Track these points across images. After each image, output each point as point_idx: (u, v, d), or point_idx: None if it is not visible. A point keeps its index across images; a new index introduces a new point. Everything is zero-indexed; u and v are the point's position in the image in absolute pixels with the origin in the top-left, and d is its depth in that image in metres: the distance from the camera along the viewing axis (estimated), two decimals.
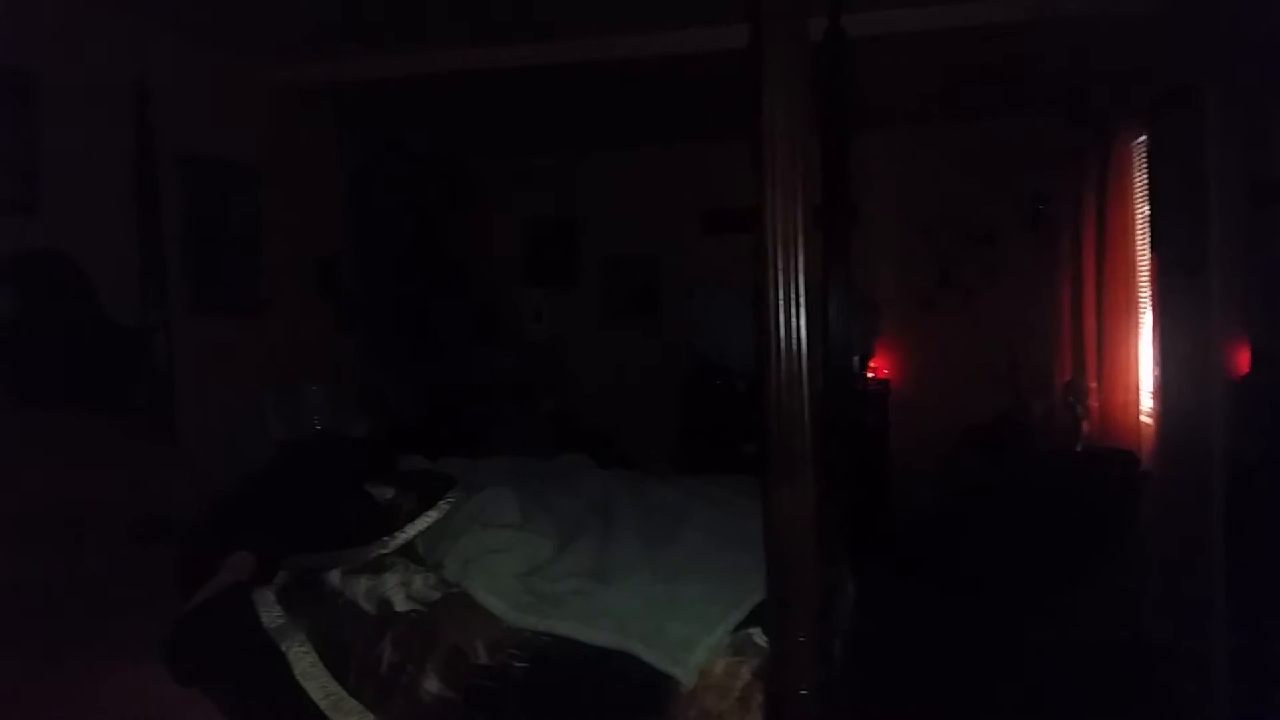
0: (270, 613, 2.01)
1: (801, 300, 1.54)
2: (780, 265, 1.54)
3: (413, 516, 2.32)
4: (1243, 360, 3.32)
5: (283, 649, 1.93)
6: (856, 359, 5.48)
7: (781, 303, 1.54)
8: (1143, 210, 4.54)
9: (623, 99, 5.29)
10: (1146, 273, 4.52)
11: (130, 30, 3.69)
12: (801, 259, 1.54)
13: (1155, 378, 4.31)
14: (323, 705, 1.85)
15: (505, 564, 2.12)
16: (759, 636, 1.87)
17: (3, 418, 2.78)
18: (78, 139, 3.41)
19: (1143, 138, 4.51)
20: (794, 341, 1.55)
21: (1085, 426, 5.31)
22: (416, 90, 4.83)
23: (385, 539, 2.25)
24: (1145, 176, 4.48)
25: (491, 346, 6.88)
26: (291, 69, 4.54)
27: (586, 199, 6.78)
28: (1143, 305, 4.62)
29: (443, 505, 2.38)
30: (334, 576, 2.14)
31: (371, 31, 4.12)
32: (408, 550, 2.29)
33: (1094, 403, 5.25)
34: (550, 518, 2.45)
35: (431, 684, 1.85)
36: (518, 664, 1.86)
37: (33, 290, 3.11)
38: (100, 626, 2.18)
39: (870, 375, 5.92)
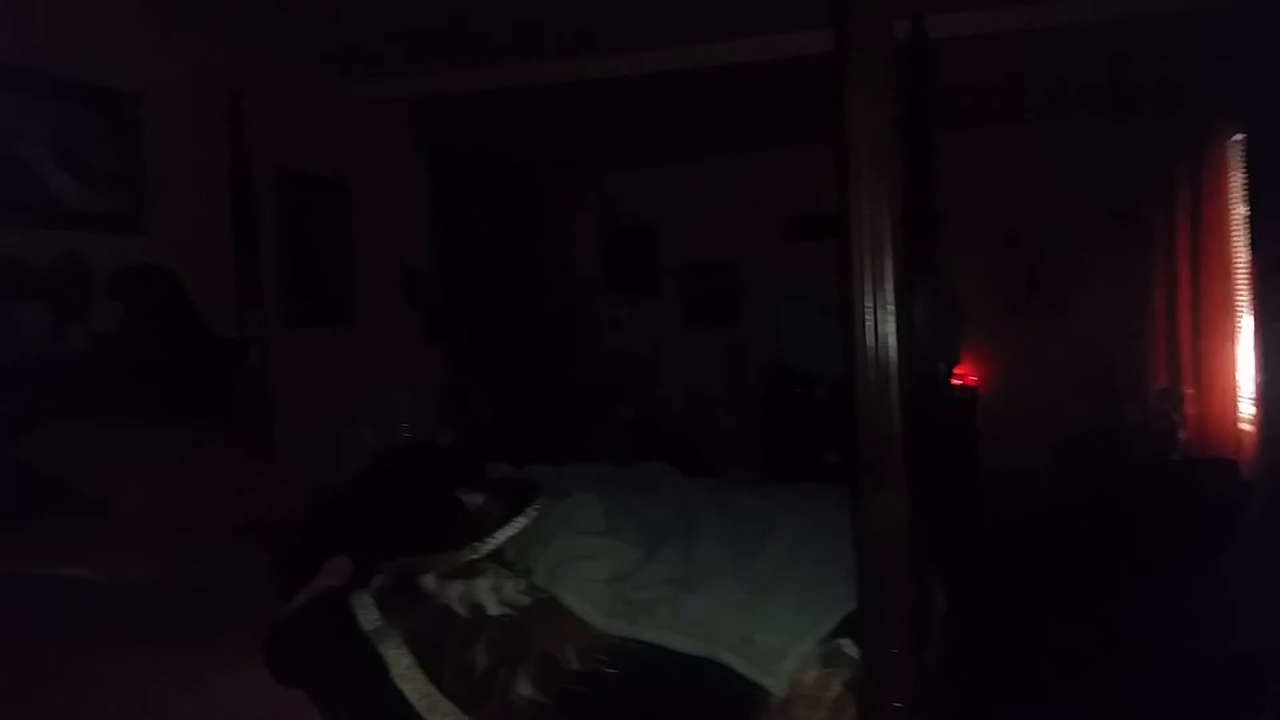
0: (368, 615, 2.06)
1: (890, 307, 1.52)
2: (868, 272, 1.53)
3: (502, 523, 2.36)
4: None
5: (380, 651, 1.97)
6: (943, 366, 5.40)
7: (869, 310, 1.53)
8: (1239, 210, 4.38)
9: (704, 106, 5.31)
10: (1244, 274, 4.36)
11: (225, 51, 3.84)
12: (889, 265, 1.52)
13: (1257, 384, 4.15)
14: (419, 707, 1.88)
15: (593, 570, 2.14)
16: (849, 648, 1.85)
17: (110, 427, 2.90)
18: (178, 158, 3.56)
19: (1239, 135, 4.36)
20: (882, 349, 1.54)
21: (1181, 435, 5.14)
22: (499, 103, 4.91)
23: (476, 544, 2.29)
24: (1242, 175, 4.33)
25: (572, 355, 6.95)
26: (379, 85, 4.66)
27: (667, 207, 6.82)
28: (1240, 308, 4.46)
29: (530, 512, 2.41)
30: (428, 581, 2.18)
31: (455, 46, 4.20)
32: (497, 555, 2.32)
33: (1190, 410, 5.08)
34: (635, 525, 2.47)
35: (524, 687, 1.87)
36: (608, 669, 1.87)
37: (137, 304, 3.25)
38: (204, 627, 2.25)
39: (957, 382, 5.82)
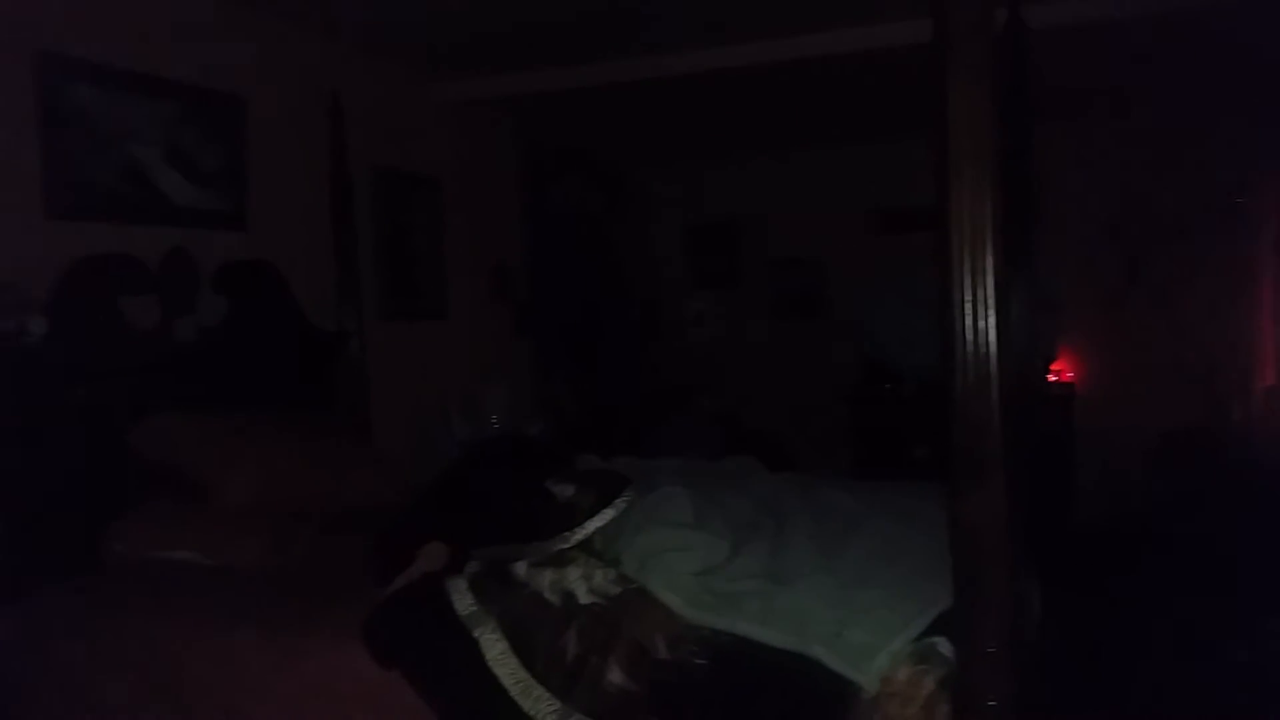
0: (463, 600, 2.11)
1: (990, 301, 1.50)
2: (967, 266, 1.51)
3: (591, 513, 2.38)
4: None
5: (475, 635, 2.02)
6: (1040, 362, 5.27)
7: (969, 304, 1.51)
8: None
9: (790, 102, 5.27)
10: None
11: (324, 53, 3.95)
12: (990, 259, 1.50)
13: None
14: (513, 691, 1.92)
15: (682, 562, 2.16)
16: (943, 645, 1.83)
17: (216, 417, 3.01)
18: (279, 157, 3.68)
19: None
20: (982, 344, 1.52)
21: None
22: (588, 100, 4.95)
23: (566, 534, 2.32)
24: None
25: (656, 349, 6.98)
26: (471, 84, 4.73)
27: (752, 202, 6.79)
28: None
29: (619, 503, 2.43)
30: (519, 568, 2.22)
31: (546, 45, 4.25)
32: (586, 545, 2.35)
33: None
34: (723, 518, 2.47)
35: (615, 675, 1.90)
36: (698, 660, 1.89)
37: (241, 298, 3.38)
38: (304, 609, 2.33)
39: (1053, 379, 5.67)
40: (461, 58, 4.43)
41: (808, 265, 6.68)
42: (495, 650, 1.98)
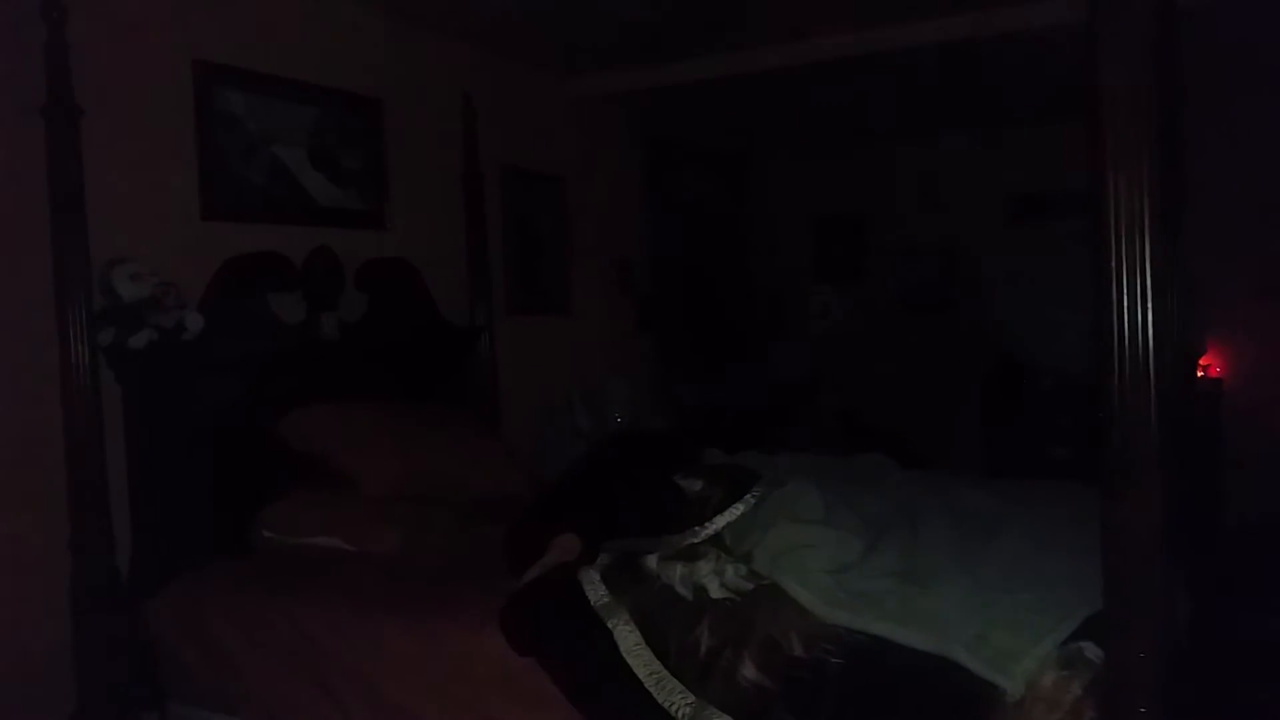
0: (595, 591, 2.14)
1: (1149, 293, 1.43)
2: (1124, 255, 1.45)
3: (721, 508, 2.38)
4: None
5: (609, 626, 2.04)
6: (1188, 356, 5.02)
7: (1126, 296, 1.44)
8: None
9: (916, 89, 5.15)
10: None
11: (456, 55, 4.05)
12: (1149, 248, 1.43)
13: None
14: (647, 682, 1.94)
15: (815, 560, 2.13)
16: (1091, 650, 1.76)
17: (359, 408, 3.13)
18: (414, 158, 3.79)
19: None
20: (1139, 338, 1.45)
21: None
22: (711, 92, 4.94)
23: (697, 528, 2.32)
24: None
25: (780, 343, 6.92)
26: (596, 80, 4.78)
27: (877, 192, 6.66)
28: None
29: (749, 499, 2.42)
30: (650, 561, 2.24)
31: (669, 39, 4.25)
32: (716, 540, 2.35)
33: None
34: (854, 516, 2.44)
35: (749, 670, 1.89)
36: (833, 659, 1.86)
37: (381, 294, 3.50)
38: (442, 595, 2.40)
39: (1200, 373, 5.39)
40: (587, 54, 4.48)
41: (938, 256, 6.51)
42: (629, 641, 2.01)
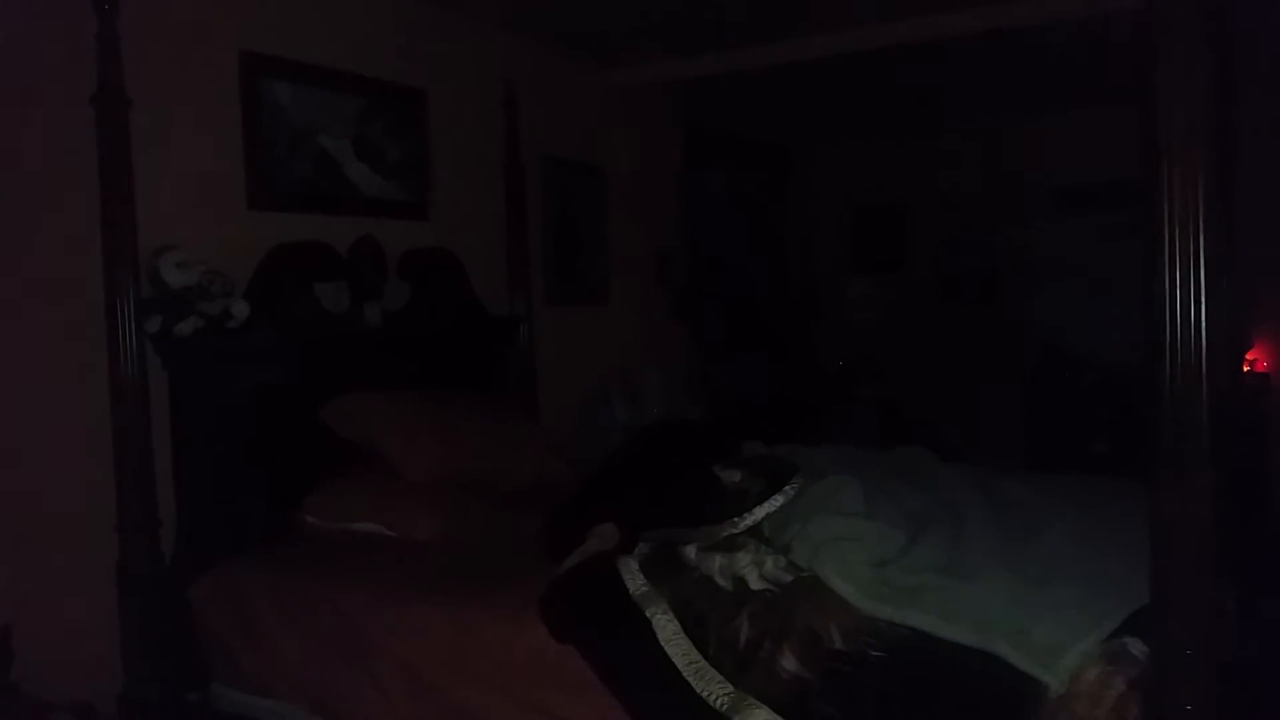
0: (634, 580, 2.14)
1: (1202, 285, 1.41)
2: (1178, 249, 1.43)
3: (760, 499, 2.38)
4: None
5: (647, 615, 2.05)
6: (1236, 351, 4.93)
7: (1179, 290, 1.42)
8: None
9: (958, 78, 5.09)
10: None
11: (497, 45, 4.06)
12: (1203, 239, 1.41)
13: None
14: (685, 672, 1.95)
15: (856, 552, 2.13)
16: (1135, 646, 1.75)
17: (402, 396, 3.16)
18: (456, 148, 3.81)
19: None
20: (1192, 333, 1.43)
21: None
22: (750, 82, 4.91)
23: (735, 520, 2.32)
24: None
25: (818, 334, 6.88)
26: (637, 70, 4.77)
27: (918, 182, 6.60)
28: None
29: (788, 490, 2.42)
30: (689, 551, 2.24)
31: (710, 28, 4.23)
32: (755, 532, 2.35)
33: None
34: (896, 509, 2.43)
35: (789, 662, 1.89)
36: (874, 652, 1.86)
37: (423, 284, 3.52)
38: (482, 581, 2.42)
39: (1246, 369, 5.29)
40: (628, 43, 4.47)
41: (979, 247, 6.43)
42: (668, 631, 2.01)
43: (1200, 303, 1.43)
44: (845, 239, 7.01)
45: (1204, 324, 1.43)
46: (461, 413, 3.22)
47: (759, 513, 2.35)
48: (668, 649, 1.99)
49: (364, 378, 3.13)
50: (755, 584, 2.11)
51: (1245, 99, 4.90)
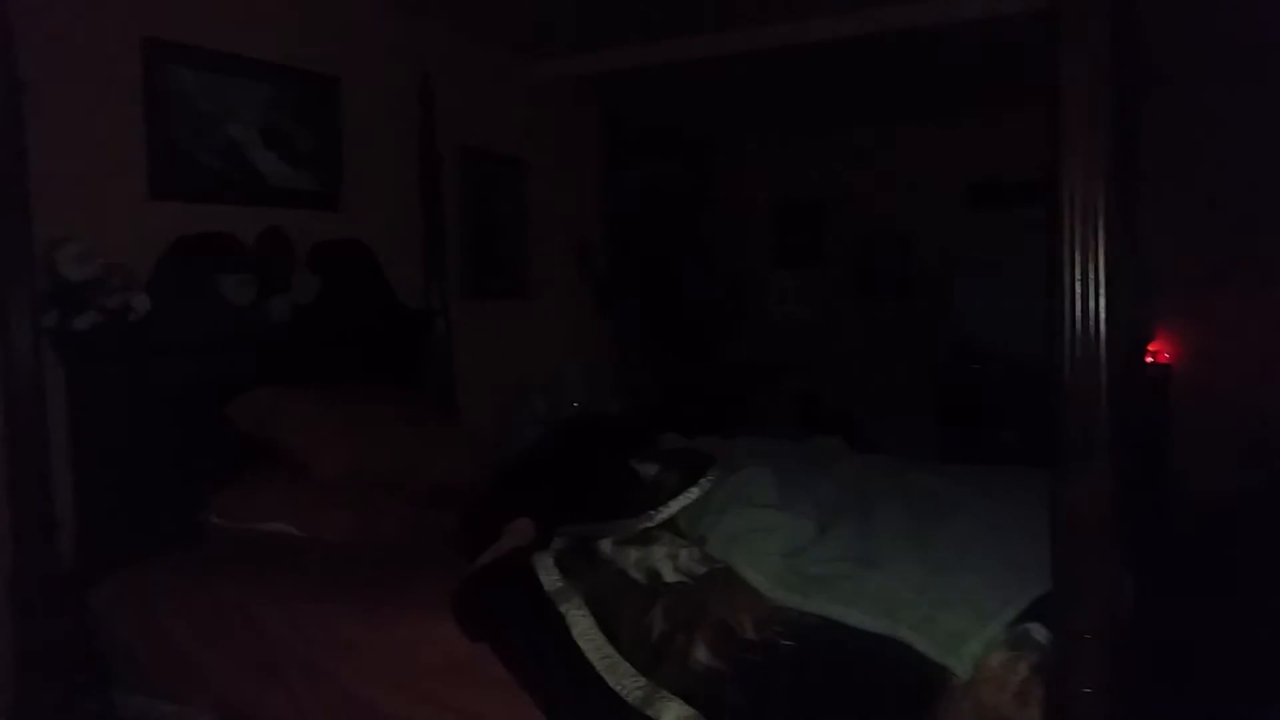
0: (549, 576, 2.13)
1: (1101, 277, 1.45)
2: (1077, 239, 1.46)
3: (676, 493, 2.39)
4: None
5: (561, 610, 2.03)
6: (1138, 342, 5.10)
7: (1079, 284, 1.46)
8: None
9: (876, 75, 5.16)
10: None
11: (414, 33, 3.99)
12: (1102, 233, 1.44)
13: None
14: (599, 666, 1.94)
15: (769, 543, 2.14)
16: (1038, 631, 1.79)
17: (311, 392, 3.08)
18: (370, 138, 3.73)
19: None
20: (1091, 325, 1.46)
21: None
22: (671, 76, 4.92)
23: (651, 513, 2.33)
24: None
25: (740, 327, 6.93)
26: (557, 62, 4.73)
27: (838, 178, 6.68)
28: None
29: (704, 483, 2.43)
30: (605, 546, 2.24)
31: (631, 21, 4.22)
32: (670, 524, 2.35)
33: None
34: (808, 500, 2.45)
35: (701, 653, 1.89)
36: (784, 641, 1.87)
37: (334, 277, 3.44)
38: (395, 581, 2.38)
39: (1149, 359, 5.48)
40: (547, 36, 4.43)
41: (896, 242, 6.55)
42: (581, 626, 2.00)
43: (1099, 297, 1.46)
44: (766, 234, 7.07)
45: (1102, 318, 1.46)
46: (373, 408, 3.16)
47: (674, 506, 2.36)
48: (581, 644, 1.98)
49: (273, 374, 3.05)
50: (669, 577, 2.11)
51: (1153, 95, 5.09)
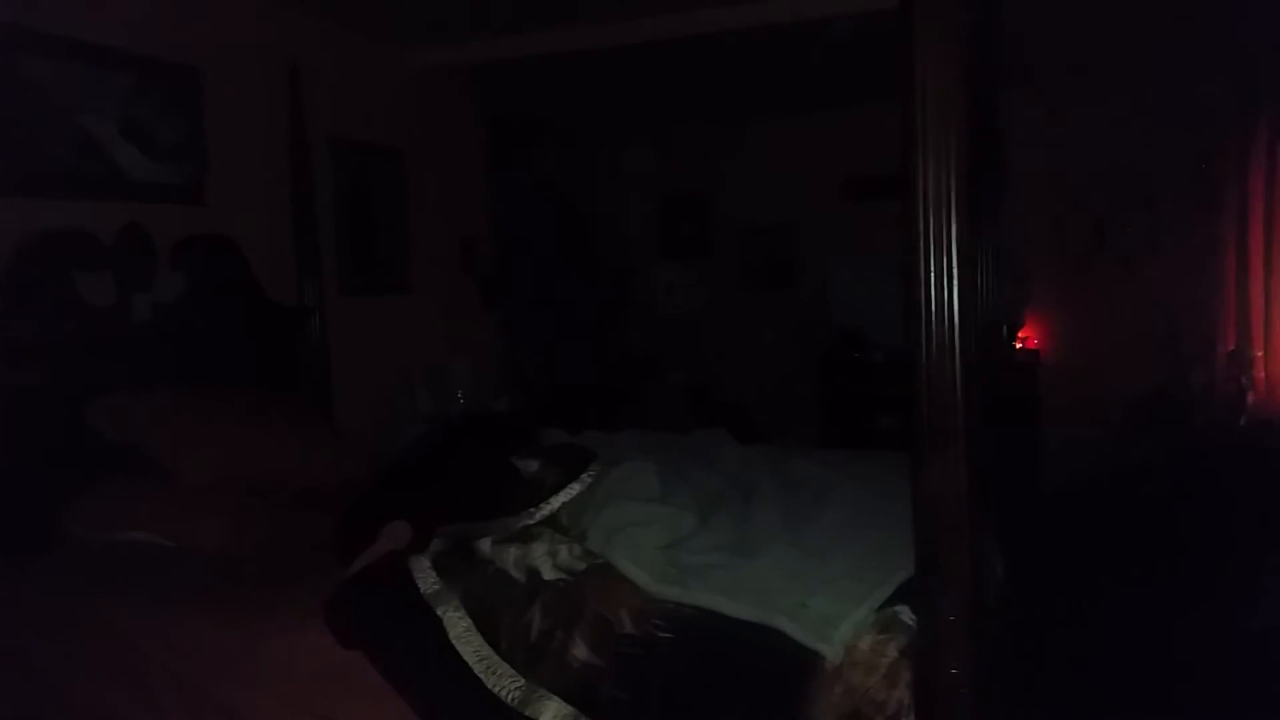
0: (426, 579, 2.09)
1: (954, 269, 1.48)
2: (931, 233, 1.50)
3: (557, 489, 2.37)
4: None
5: (438, 613, 2.00)
6: (1005, 329, 5.29)
7: (933, 271, 1.49)
8: None
9: (759, 69, 5.23)
10: None
11: (282, 21, 3.86)
12: (954, 225, 1.48)
13: None
14: (476, 668, 1.91)
15: (647, 536, 2.15)
16: (906, 614, 1.84)
17: (176, 395, 2.96)
18: (237, 129, 3.60)
19: None
20: (946, 311, 1.50)
21: (1250, 398, 4.98)
22: (554, 67, 4.88)
23: (531, 510, 2.31)
24: None
25: (626, 321, 6.94)
26: (435, 51, 4.65)
27: (722, 170, 6.75)
28: None
29: (585, 478, 2.42)
30: (484, 545, 2.21)
31: (512, 10, 4.17)
32: (552, 521, 2.34)
33: (1260, 373, 4.92)
34: (690, 492, 2.47)
35: (580, 650, 1.89)
36: (662, 634, 1.88)
37: (199, 274, 3.31)
38: (268, 590, 2.31)
39: (1019, 346, 5.70)
40: (425, 24, 4.34)
41: (779, 234, 6.65)
42: (458, 628, 1.97)
43: (953, 288, 1.50)
44: (653, 226, 7.10)
45: (956, 308, 1.50)
46: (243, 410, 3.05)
47: (555, 502, 2.35)
48: (458, 646, 1.95)
49: (135, 376, 2.92)
50: (549, 574, 2.09)
51: (1020, 91, 5.28)
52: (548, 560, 2.13)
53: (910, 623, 1.81)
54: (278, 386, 3.53)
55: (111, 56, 3.12)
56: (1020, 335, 5.75)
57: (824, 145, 6.26)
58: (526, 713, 1.84)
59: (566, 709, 1.83)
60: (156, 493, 2.74)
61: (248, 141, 3.65)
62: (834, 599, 1.85)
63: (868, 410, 5.47)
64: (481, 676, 1.90)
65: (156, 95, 3.28)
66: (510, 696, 1.86)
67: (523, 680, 1.88)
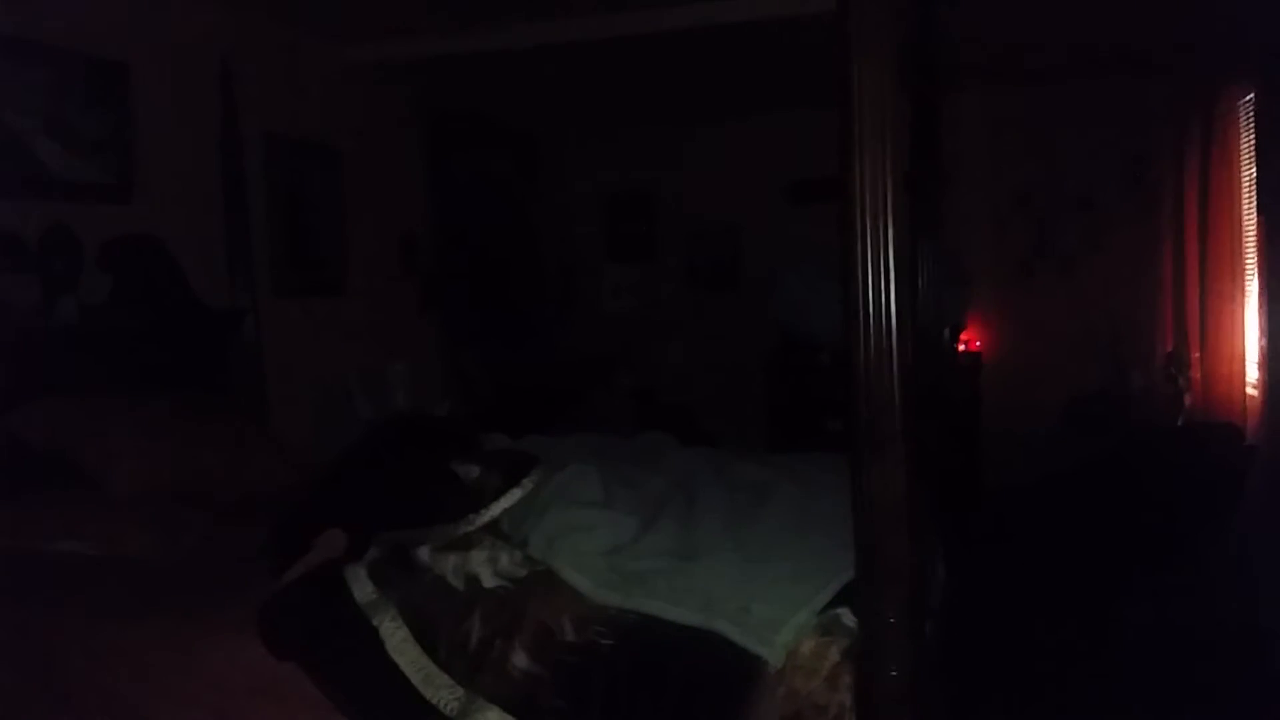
0: (362, 588, 2.04)
1: (891, 272, 1.48)
2: (868, 236, 1.49)
3: (498, 494, 2.34)
4: None
5: (375, 624, 1.95)
6: (947, 331, 5.35)
7: (870, 275, 1.49)
8: (1249, 171, 4.33)
9: (705, 70, 5.22)
10: (1252, 237, 4.31)
11: (214, 15, 3.77)
12: (891, 229, 1.48)
13: (1261, 348, 4.11)
14: (414, 679, 1.87)
15: (589, 542, 2.12)
16: (847, 617, 1.83)
17: (104, 400, 2.87)
18: (167, 126, 3.51)
19: (1250, 95, 4.29)
20: (883, 315, 1.50)
21: (1187, 399, 5.09)
22: (496, 65, 4.83)
23: (471, 516, 2.27)
24: (1251, 135, 4.27)
25: (571, 323, 6.90)
26: (372, 48, 4.56)
27: (667, 171, 6.73)
28: (1248, 271, 4.42)
29: (526, 484, 2.39)
30: (423, 553, 2.16)
31: (450, 7, 4.11)
32: (493, 528, 2.30)
33: (1196, 374, 5.03)
34: (633, 496, 2.45)
35: (520, 659, 1.86)
36: (604, 641, 1.85)
37: (126, 275, 3.22)
38: (199, 600, 2.24)
39: (961, 348, 5.77)
40: (361, 19, 4.26)
41: (723, 235, 6.66)
42: (396, 639, 1.93)
43: (890, 292, 1.50)
44: (598, 227, 7.06)
45: (894, 312, 1.50)
46: (173, 415, 2.97)
47: (495, 509, 2.31)
48: (396, 657, 1.91)
49: (61, 380, 2.83)
50: (489, 582, 2.06)
51: (963, 98, 5.35)
52: (488, 567, 2.09)
53: (852, 625, 1.80)
54: (210, 391, 3.44)
55: (32, 50, 3.03)
56: (962, 337, 5.82)
57: (770, 147, 6.28)
58: None
59: (506, 718, 1.80)
60: (84, 501, 2.65)
61: (178, 139, 3.56)
62: (776, 603, 1.84)
63: (814, 412, 5.49)
64: (419, 688, 1.86)
65: (81, 90, 3.19)
66: (448, 707, 1.83)
67: (462, 690, 1.85)
